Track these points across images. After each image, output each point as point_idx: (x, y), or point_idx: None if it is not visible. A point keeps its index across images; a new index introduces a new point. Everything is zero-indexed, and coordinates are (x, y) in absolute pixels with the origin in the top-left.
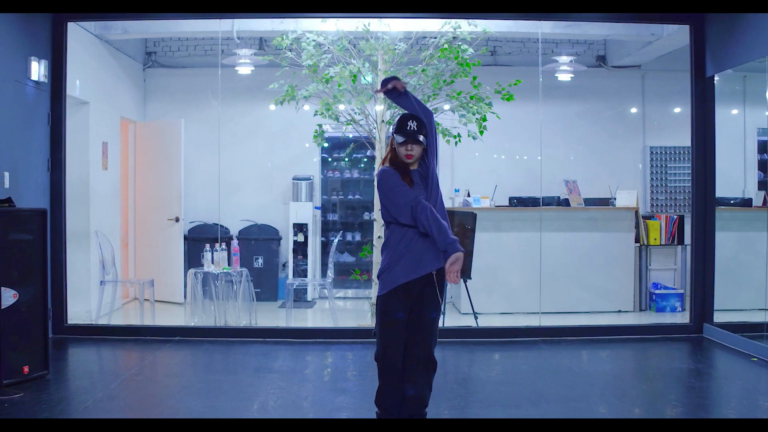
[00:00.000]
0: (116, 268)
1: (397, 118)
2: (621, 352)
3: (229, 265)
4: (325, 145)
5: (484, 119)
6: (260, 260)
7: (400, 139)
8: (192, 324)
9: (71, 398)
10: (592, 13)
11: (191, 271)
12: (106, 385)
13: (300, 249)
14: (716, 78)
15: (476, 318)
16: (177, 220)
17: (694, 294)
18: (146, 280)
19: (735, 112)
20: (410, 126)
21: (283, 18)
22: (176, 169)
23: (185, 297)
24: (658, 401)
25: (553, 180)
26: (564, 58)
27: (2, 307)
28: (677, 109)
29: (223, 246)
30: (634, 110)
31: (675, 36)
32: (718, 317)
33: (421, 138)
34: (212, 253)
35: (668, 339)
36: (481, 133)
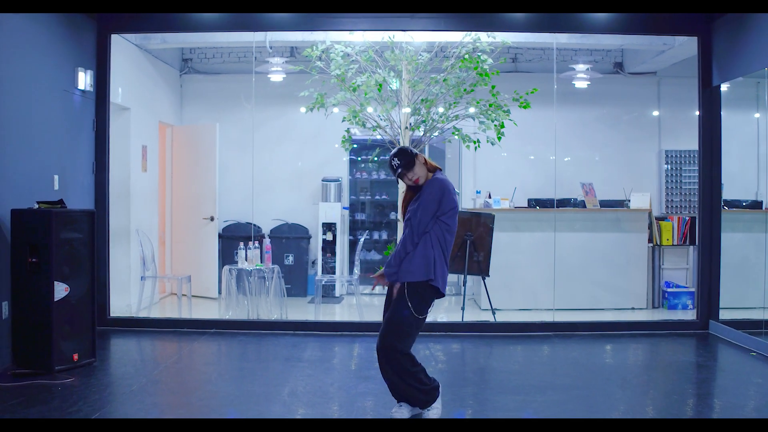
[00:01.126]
0: (155, 264)
1: None
2: (628, 346)
3: (261, 262)
4: (354, 146)
5: (502, 126)
6: (291, 258)
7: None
8: (226, 317)
9: (118, 383)
10: (603, 33)
11: (226, 267)
12: (149, 371)
13: (328, 247)
14: (725, 85)
15: (494, 313)
16: (212, 219)
17: (700, 292)
18: (183, 276)
19: (757, 115)
20: (393, 164)
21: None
22: (211, 171)
23: (220, 292)
24: (654, 389)
25: (571, 182)
26: (581, 66)
27: (55, 300)
28: (692, 114)
29: (256, 244)
30: (653, 113)
31: (686, 45)
32: (727, 315)
33: (402, 170)
34: (246, 251)
35: (675, 335)
36: (499, 139)
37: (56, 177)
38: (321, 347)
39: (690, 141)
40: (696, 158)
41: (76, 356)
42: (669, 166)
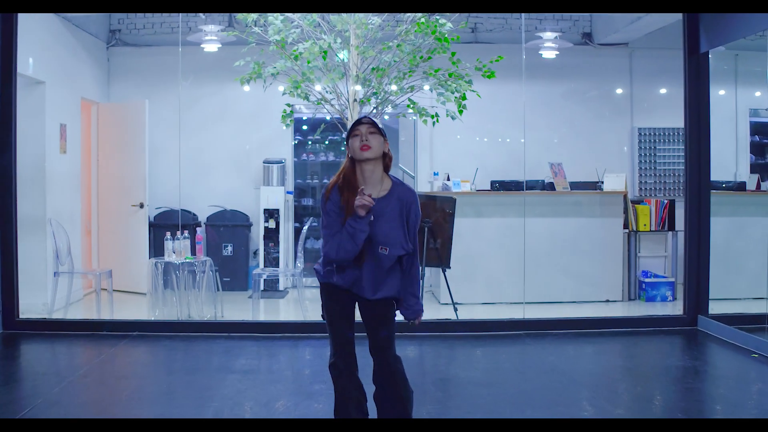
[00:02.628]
0: (71, 258)
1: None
2: (610, 348)
3: (192, 254)
4: (304, 128)
5: (464, 98)
6: (230, 248)
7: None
8: (152, 318)
9: (6, 406)
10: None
11: (151, 260)
12: (49, 388)
13: (271, 236)
14: (710, 54)
15: (456, 310)
16: (141, 206)
17: (687, 284)
18: (103, 271)
19: (722, 92)
20: (362, 118)
21: None
22: (140, 153)
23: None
24: (654, 405)
25: (537, 163)
26: (548, 34)
27: None
28: (666, 89)
29: (186, 234)
30: (620, 90)
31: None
32: (716, 308)
33: (371, 126)
34: (173, 242)
35: (660, 332)
36: (461, 112)
37: None
38: (258, 353)
39: (664, 118)
40: (671, 137)
41: None
42: (642, 145)
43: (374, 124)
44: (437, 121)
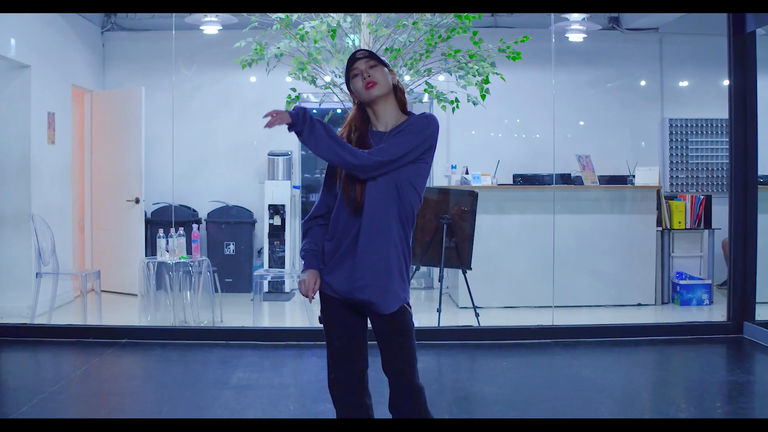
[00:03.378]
0: (56, 257)
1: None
2: (650, 359)
3: (188, 253)
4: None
5: (487, 81)
6: (232, 246)
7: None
8: (144, 323)
9: None
10: None
11: (143, 260)
12: (15, 407)
13: (277, 234)
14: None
15: (477, 316)
16: (137, 201)
17: (732, 287)
18: (91, 272)
19: None
20: (357, 54)
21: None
22: (136, 144)
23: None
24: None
25: (561, 155)
26: (575, 16)
27: None
28: (699, 77)
29: (181, 231)
30: (649, 79)
31: None
32: (760, 313)
33: (370, 59)
34: (167, 240)
35: (703, 341)
36: (483, 97)
37: None
38: (259, 364)
39: (697, 108)
40: (704, 128)
41: None
42: (673, 138)
43: (372, 56)
44: (457, 107)
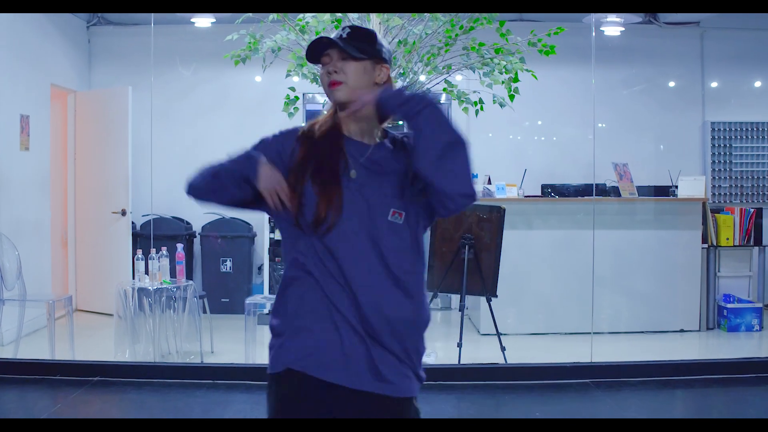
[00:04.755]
0: (23, 280)
1: None
2: (707, 404)
3: (172, 276)
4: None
5: (516, 80)
6: (228, 263)
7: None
8: (119, 358)
9: None
10: None
11: (119, 285)
12: None
13: (278, 249)
14: None
15: (504, 350)
16: (123, 213)
17: None
18: (60, 298)
19: None
20: (341, 32)
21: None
22: (122, 150)
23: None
24: None
25: (598, 163)
26: None
27: None
28: (744, 76)
29: (164, 252)
30: (690, 78)
31: None
32: None
33: (351, 49)
34: (147, 262)
35: (762, 380)
36: (512, 98)
37: None
38: (248, 412)
39: (742, 111)
40: (750, 132)
41: None
42: (715, 143)
43: (350, 41)
44: (481, 108)
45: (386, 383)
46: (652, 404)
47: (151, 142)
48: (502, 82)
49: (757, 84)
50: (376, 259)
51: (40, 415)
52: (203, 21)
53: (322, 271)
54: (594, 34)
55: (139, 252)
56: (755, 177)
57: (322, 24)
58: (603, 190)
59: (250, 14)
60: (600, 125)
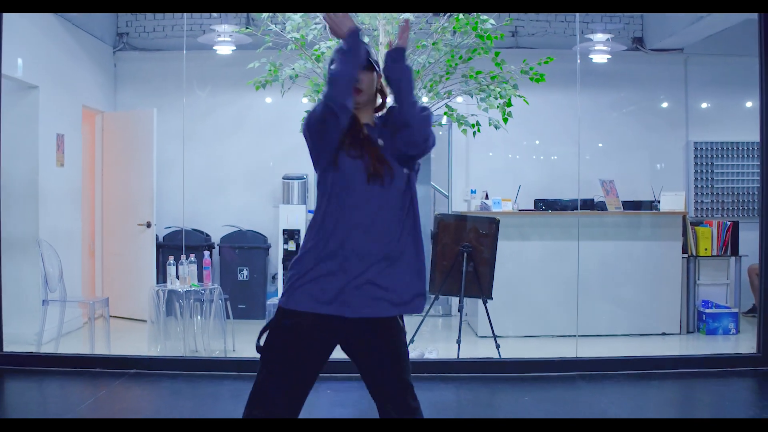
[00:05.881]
0: (64, 284)
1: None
2: (680, 394)
3: (200, 280)
4: None
5: (509, 104)
6: (245, 272)
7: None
8: (153, 353)
9: None
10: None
11: (153, 288)
12: None
13: (291, 259)
14: None
15: (498, 347)
16: (149, 225)
17: (763, 317)
18: (99, 299)
19: None
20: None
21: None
22: (148, 167)
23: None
24: None
25: (584, 179)
26: (599, 36)
27: None
28: (725, 99)
29: (192, 258)
30: (674, 101)
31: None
32: None
33: (375, 65)
34: (177, 267)
35: (731, 373)
36: (506, 120)
37: None
38: None
39: (723, 131)
40: (730, 151)
41: None
42: (698, 161)
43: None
44: (479, 130)
45: None
46: (630, 394)
47: (183, 161)
48: (497, 107)
49: (738, 107)
50: None
51: (85, 402)
52: (224, 49)
53: None
54: (579, 62)
55: (171, 258)
56: (735, 193)
57: None
58: (592, 205)
59: (270, 44)
60: (599, 145)
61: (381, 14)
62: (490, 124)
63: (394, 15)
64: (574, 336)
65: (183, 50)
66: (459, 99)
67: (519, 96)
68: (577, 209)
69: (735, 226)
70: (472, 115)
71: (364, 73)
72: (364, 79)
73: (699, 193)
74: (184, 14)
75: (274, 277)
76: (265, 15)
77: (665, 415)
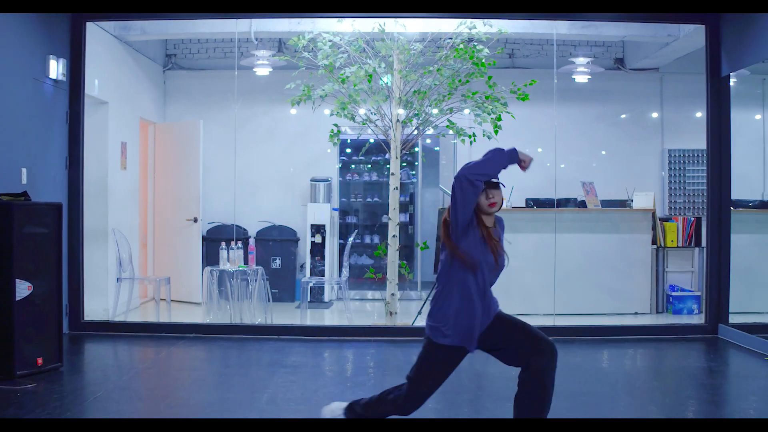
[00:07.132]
0: (133, 266)
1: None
2: (634, 351)
3: (245, 263)
4: (348, 150)
5: (499, 119)
6: (278, 261)
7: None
8: (207, 321)
9: (83, 389)
10: (606, 13)
11: (207, 268)
12: (119, 377)
13: (317, 250)
14: (732, 78)
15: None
16: (195, 220)
17: (709, 295)
18: (162, 278)
19: (758, 117)
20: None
21: (300, 18)
22: (195, 170)
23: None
24: (669, 397)
25: (570, 182)
26: (581, 60)
27: (16, 299)
28: (696, 113)
29: (239, 244)
30: (652, 114)
31: (692, 37)
32: (737, 319)
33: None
34: (228, 251)
35: (683, 339)
36: (496, 132)
37: (24, 170)
38: (306, 352)
39: (694, 140)
40: (699, 158)
41: (40, 360)
42: (672, 166)
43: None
44: (474, 140)
45: None
46: (595, 352)
47: (234, 167)
48: (490, 121)
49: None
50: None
51: (153, 358)
52: (263, 70)
53: None
54: (556, 81)
55: (223, 243)
56: (704, 194)
57: (358, 78)
58: (575, 203)
59: (303, 68)
60: (602, 152)
61: (395, 43)
62: (483, 135)
63: (407, 46)
64: (558, 315)
65: (223, 69)
66: (466, 111)
67: (507, 112)
68: (565, 206)
69: (698, 221)
70: (470, 127)
71: (497, 192)
72: (497, 194)
73: (673, 194)
74: (234, 38)
75: (302, 266)
76: (300, 44)
77: (620, 365)
